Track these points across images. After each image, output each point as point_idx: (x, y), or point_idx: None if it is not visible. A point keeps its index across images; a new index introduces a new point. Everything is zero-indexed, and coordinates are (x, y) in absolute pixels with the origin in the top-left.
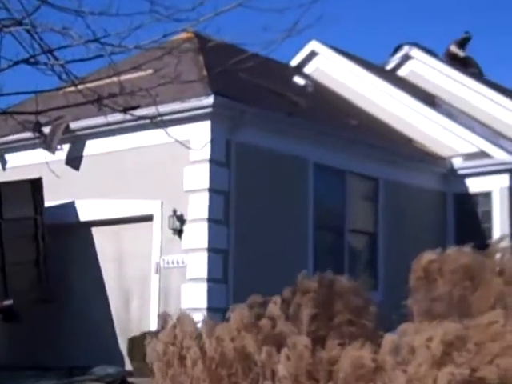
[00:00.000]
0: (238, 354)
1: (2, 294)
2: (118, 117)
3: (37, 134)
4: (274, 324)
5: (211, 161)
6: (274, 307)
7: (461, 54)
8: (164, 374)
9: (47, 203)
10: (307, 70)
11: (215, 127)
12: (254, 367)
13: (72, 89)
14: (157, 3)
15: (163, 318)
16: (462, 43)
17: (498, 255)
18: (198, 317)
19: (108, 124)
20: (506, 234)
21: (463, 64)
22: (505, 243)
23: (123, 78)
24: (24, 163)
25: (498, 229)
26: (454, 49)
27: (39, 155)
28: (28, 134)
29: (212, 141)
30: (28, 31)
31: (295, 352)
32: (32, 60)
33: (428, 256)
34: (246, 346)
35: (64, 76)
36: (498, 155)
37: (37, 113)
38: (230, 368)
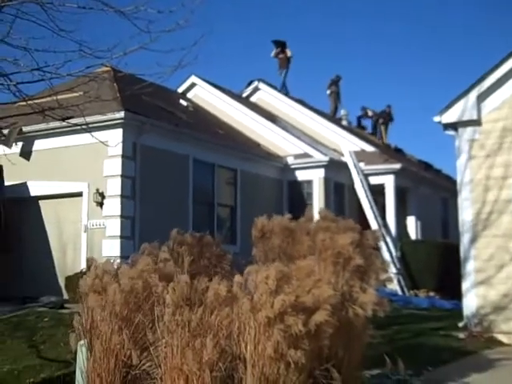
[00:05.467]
0: (142, 287)
1: None
2: (57, 124)
3: None
4: (165, 266)
5: (122, 156)
6: (164, 254)
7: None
8: (93, 300)
9: (7, 183)
10: (189, 95)
11: (125, 133)
12: (152, 296)
13: (23, 103)
14: (83, 45)
15: (90, 261)
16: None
17: (310, 222)
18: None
19: (50, 129)
20: (322, 208)
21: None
22: (316, 214)
23: (60, 96)
24: None
25: (317, 205)
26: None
27: (0, 149)
28: None
29: (123, 142)
30: None
31: (179, 285)
32: None
33: (261, 221)
34: (148, 281)
35: (17, 94)
36: (317, 156)
37: None
38: (137, 296)
